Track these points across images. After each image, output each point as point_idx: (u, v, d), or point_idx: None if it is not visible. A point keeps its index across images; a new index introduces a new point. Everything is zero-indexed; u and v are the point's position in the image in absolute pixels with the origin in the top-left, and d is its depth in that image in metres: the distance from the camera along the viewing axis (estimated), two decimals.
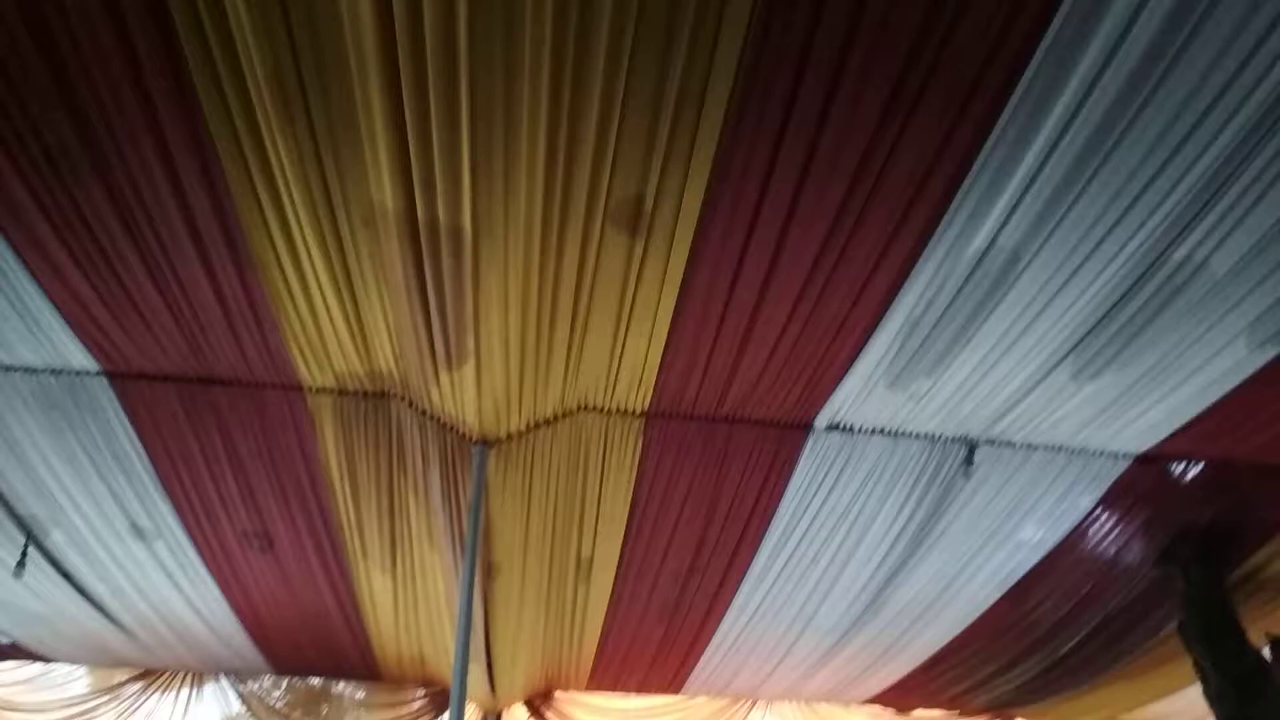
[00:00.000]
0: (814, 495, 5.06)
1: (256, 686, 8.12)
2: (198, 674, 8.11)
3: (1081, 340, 3.75)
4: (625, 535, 5.51)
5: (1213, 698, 5.05)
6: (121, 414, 4.54)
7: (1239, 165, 2.93)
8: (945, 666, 7.04)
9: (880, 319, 3.69)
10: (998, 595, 5.89)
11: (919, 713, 8.28)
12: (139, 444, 4.73)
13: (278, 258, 3.48)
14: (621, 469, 4.94)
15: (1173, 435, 4.43)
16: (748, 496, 5.14)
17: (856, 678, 7.58)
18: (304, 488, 5.14)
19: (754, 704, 8.36)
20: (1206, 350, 3.81)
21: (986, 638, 6.46)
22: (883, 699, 8.07)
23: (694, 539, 5.56)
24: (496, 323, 3.73)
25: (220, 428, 4.67)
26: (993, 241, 3.24)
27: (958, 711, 8.27)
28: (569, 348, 3.93)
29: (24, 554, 5.51)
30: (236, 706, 8.08)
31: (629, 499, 5.18)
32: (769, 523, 5.33)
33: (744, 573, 5.87)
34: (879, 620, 6.35)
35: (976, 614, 6.13)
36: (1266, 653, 4.98)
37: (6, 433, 4.72)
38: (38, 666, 7.97)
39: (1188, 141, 2.85)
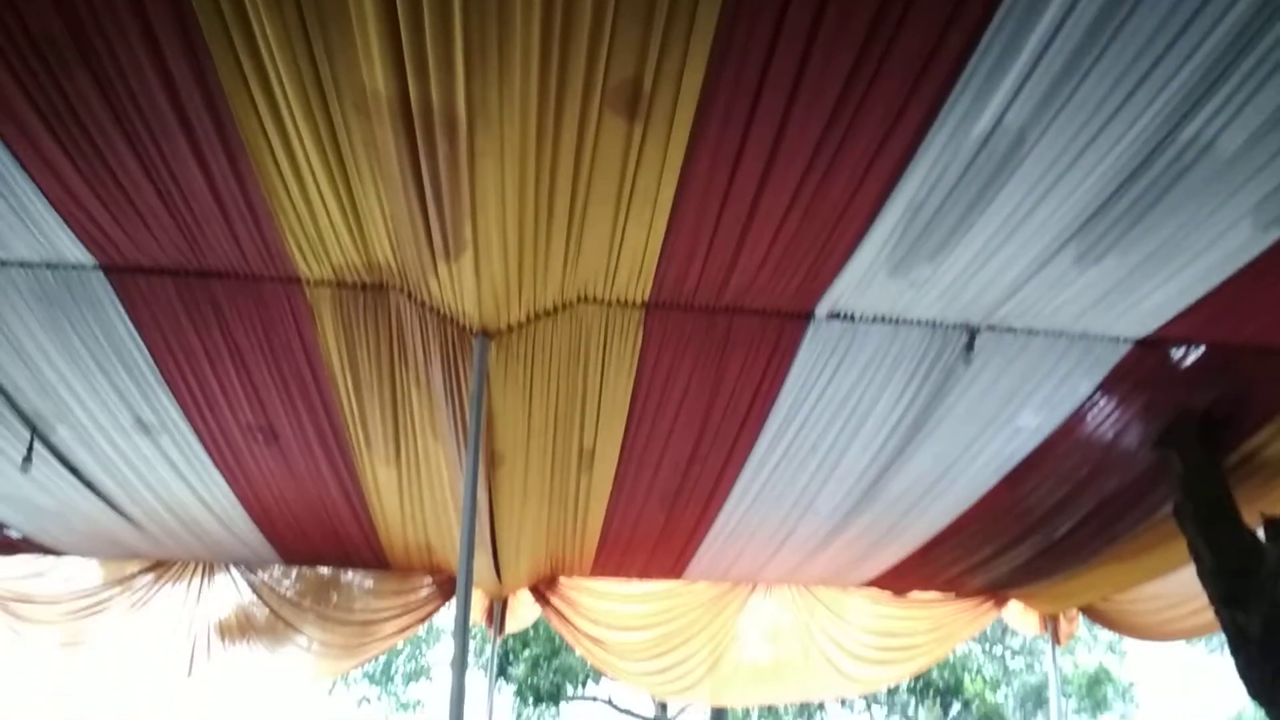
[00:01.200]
0: (814, 384, 5.08)
1: (267, 576, 8.30)
2: (208, 565, 8.29)
3: (1086, 223, 3.70)
4: (626, 426, 5.56)
5: (1206, 577, 5.15)
6: (120, 308, 4.53)
7: (1249, 41, 2.84)
8: (942, 550, 7.18)
9: (883, 205, 3.64)
10: (995, 480, 5.97)
11: (915, 594, 8.49)
12: (139, 338, 4.73)
13: (270, 146, 3.41)
14: (622, 360, 4.95)
15: (1175, 319, 4.41)
16: (748, 386, 5.16)
17: (854, 562, 7.73)
18: (306, 381, 5.16)
19: (753, 589, 8.56)
20: (1212, 232, 3.76)
21: (983, 522, 6.57)
22: (880, 582, 8.26)
23: (694, 429, 5.61)
24: (494, 212, 3.68)
25: (220, 321, 4.67)
26: (998, 122, 3.17)
27: (954, 593, 8.48)
28: (568, 237, 3.89)
29: (30, 449, 5.56)
30: (248, 596, 8.27)
31: (630, 390, 5.20)
32: (769, 411, 5.37)
33: (744, 461, 5.94)
34: (877, 506, 6.44)
35: (974, 499, 6.23)
36: (1261, 533, 5.06)
37: (6, 330, 4.72)
38: (49, 560, 8.13)
39: (1198, 16, 2.76)
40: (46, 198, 3.80)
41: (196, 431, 5.62)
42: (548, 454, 5.84)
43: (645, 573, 8.32)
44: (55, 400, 5.28)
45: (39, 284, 4.42)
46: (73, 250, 4.18)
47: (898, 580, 8.19)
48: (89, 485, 6.28)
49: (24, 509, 6.94)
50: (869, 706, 14.87)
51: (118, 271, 4.35)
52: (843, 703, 14.87)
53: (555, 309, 4.51)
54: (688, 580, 8.38)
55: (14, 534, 7.63)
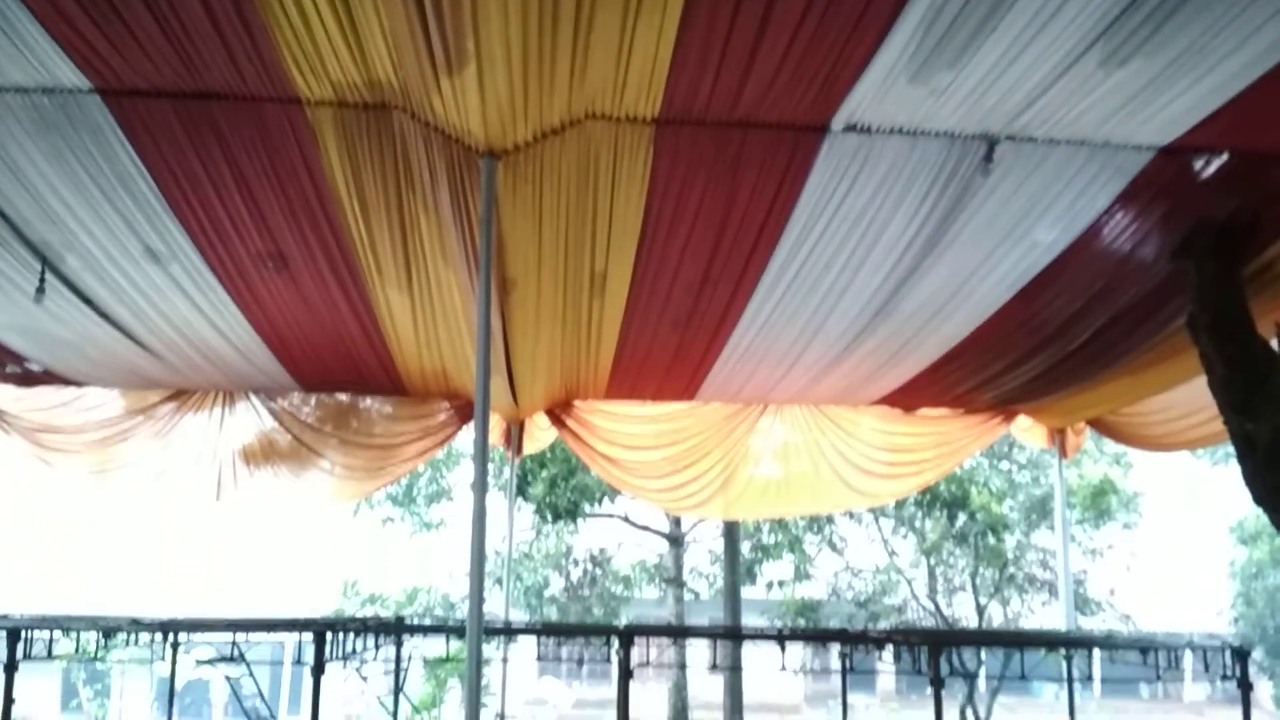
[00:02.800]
0: (829, 200, 4.99)
1: (287, 403, 8.44)
2: (229, 393, 8.42)
3: (1114, 22, 3.54)
4: (638, 248, 5.51)
5: (1217, 386, 5.18)
6: (119, 133, 4.43)
7: None
8: (953, 367, 7.23)
9: (903, 6, 3.49)
10: (1009, 295, 5.94)
11: (925, 411, 8.60)
12: (141, 165, 4.64)
13: None
14: (632, 180, 4.85)
15: (1199, 125, 4.28)
16: (761, 204, 5.07)
17: (865, 380, 7.81)
18: (313, 207, 5.09)
19: (764, 408, 8.69)
20: (1242, 31, 3.60)
21: (995, 337, 6.58)
22: (890, 400, 8.36)
23: (707, 249, 5.56)
24: (496, 22, 3.53)
25: (222, 146, 4.57)
26: None
27: (963, 409, 8.59)
28: (574, 47, 3.74)
29: (42, 280, 5.56)
30: (270, 422, 8.43)
31: (641, 211, 5.12)
32: (782, 230, 5.30)
33: (756, 281, 5.91)
34: (890, 324, 6.45)
35: (987, 314, 6.21)
36: (1274, 343, 5.06)
37: (8, 159, 4.64)
38: (72, 390, 8.27)
39: None
40: (38, 19, 3.67)
41: (207, 259, 5.59)
42: (559, 278, 5.82)
43: (658, 395, 8.44)
44: (63, 230, 5.24)
45: (36, 110, 4.31)
46: (68, 74, 4.06)
47: (907, 398, 8.29)
48: (103, 315, 6.31)
49: (42, 341, 7.01)
50: (876, 519, 15.31)
51: (115, 95, 4.23)
52: (850, 515, 15.30)
53: (563, 126, 4.39)
54: (700, 401, 8.51)
55: (34, 366, 7.74)
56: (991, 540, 13.94)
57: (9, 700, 5.94)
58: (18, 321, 6.58)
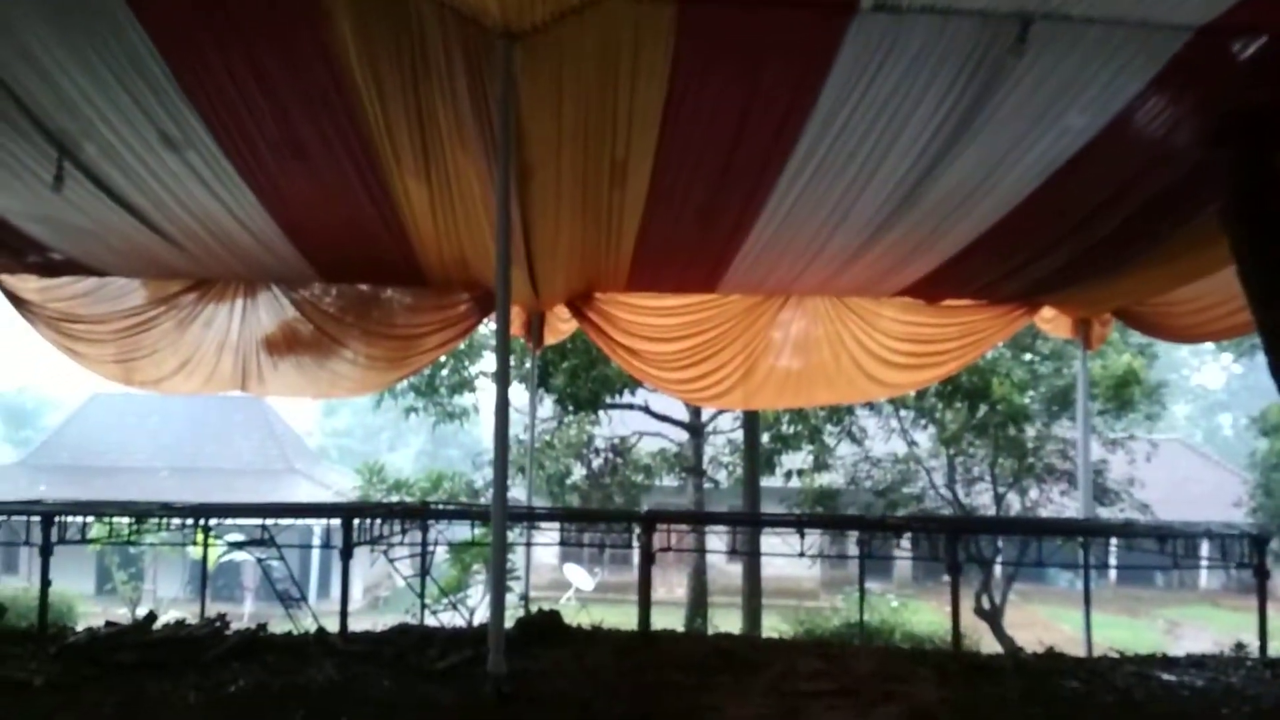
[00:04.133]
0: (855, 85, 4.86)
1: (308, 294, 8.46)
2: (250, 283, 8.45)
3: None
4: (660, 135, 5.40)
5: (1246, 276, 5.10)
6: (131, 17, 4.34)
7: None
8: (977, 257, 7.13)
9: None
10: (1038, 183, 5.81)
11: (948, 302, 8.54)
12: (155, 50, 4.56)
13: None
14: (654, 64, 4.73)
15: (1239, 4, 4.12)
16: (786, 90, 4.95)
17: (888, 272, 7.74)
18: (329, 93, 5.00)
19: (786, 301, 8.65)
20: None
21: (1023, 226, 6.46)
22: (913, 291, 8.29)
23: (730, 137, 5.45)
24: None
25: (234, 28, 4.47)
26: None
27: (986, 300, 8.52)
28: None
29: (59, 168, 5.53)
30: (291, 312, 8.47)
31: (663, 97, 5.01)
32: (807, 117, 5.18)
33: (779, 171, 5.81)
34: (915, 214, 6.34)
35: (1015, 202, 6.09)
36: None
37: (22, 46, 4.56)
38: (94, 280, 8.31)
39: None
40: None
41: (223, 147, 5.53)
42: (579, 165, 5.73)
43: (679, 287, 8.41)
44: (79, 117, 5.18)
45: None
46: None
47: (930, 289, 8.22)
48: (122, 203, 6.28)
49: (63, 230, 7.01)
50: (896, 410, 15.34)
51: None
52: (870, 406, 15.34)
53: (582, 5, 4.26)
54: (722, 293, 8.47)
55: (56, 256, 7.76)
56: (1011, 431, 13.96)
57: (46, 582, 6.13)
58: (38, 210, 6.57)
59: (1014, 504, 15.07)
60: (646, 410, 15.70)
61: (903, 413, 15.45)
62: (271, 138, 5.48)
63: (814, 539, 6.81)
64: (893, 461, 16.21)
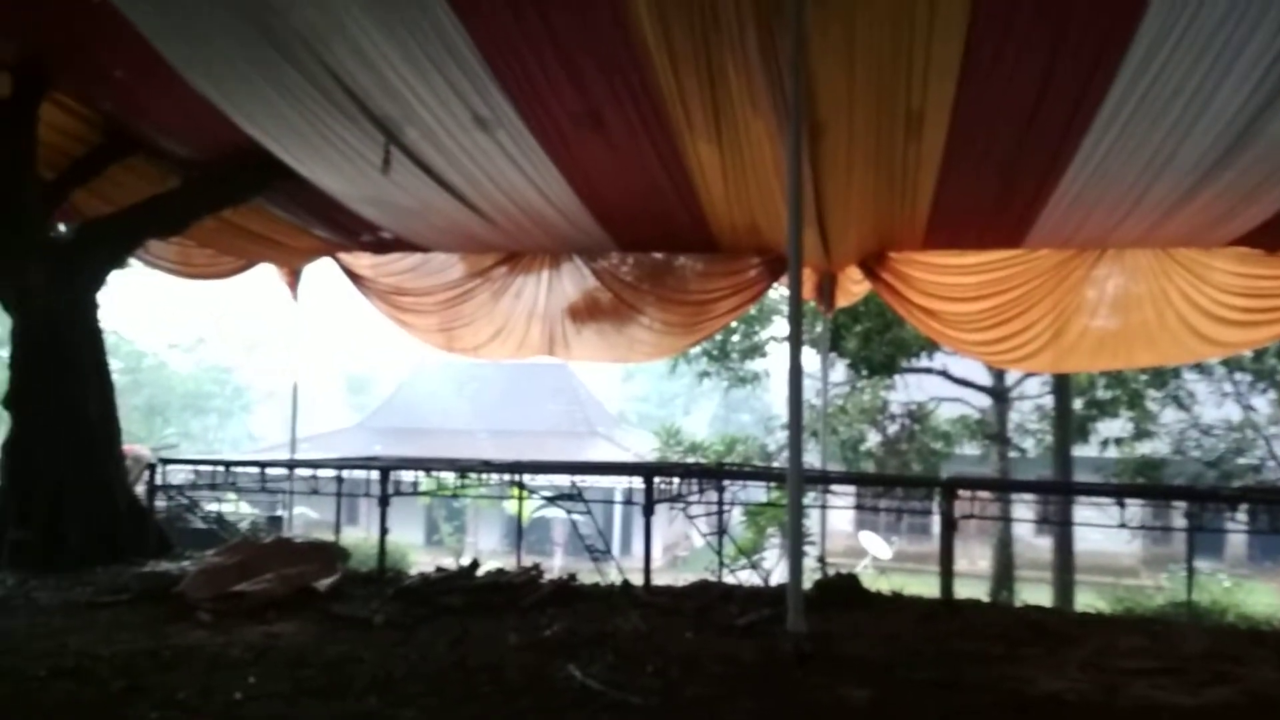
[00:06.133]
0: (1177, 18, 4.42)
1: (607, 263, 8.82)
2: (554, 255, 8.92)
3: None
4: (958, 83, 5.16)
5: None
6: (443, 4, 4.65)
7: None
8: None
9: None
10: None
11: None
12: (465, 33, 4.87)
13: None
14: (951, 11, 4.52)
15: None
16: (1098, 28, 4.59)
17: (1219, 219, 6.98)
18: (623, 63, 5.15)
19: (1101, 254, 8.02)
20: None
21: None
22: (1250, 240, 7.43)
23: (1035, 82, 5.13)
24: None
25: (537, 6, 4.70)
26: None
27: None
28: None
29: (387, 152, 6.04)
30: (591, 281, 8.86)
31: (961, 42, 4.77)
32: (1121, 57, 4.76)
33: (1092, 116, 5.39)
34: (1249, 154, 5.67)
35: None
36: None
37: (350, 39, 5.01)
38: (418, 256, 9.10)
39: None
40: None
41: (527, 123, 5.83)
42: (873, 119, 5.58)
43: (980, 243, 8.01)
44: (400, 103, 5.63)
45: None
46: None
47: (1269, 236, 7.34)
48: (441, 183, 6.79)
49: (390, 210, 7.68)
50: (1230, 372, 13.90)
51: None
52: (1199, 368, 13.99)
53: None
54: (1028, 249, 7.98)
55: (386, 234, 8.55)
56: None
57: (384, 530, 6.77)
58: (369, 193, 7.23)
59: None
60: (945, 374, 15.14)
61: (1238, 375, 13.98)
62: (571, 110, 5.72)
63: (1134, 511, 6.30)
64: (1226, 429, 14.72)
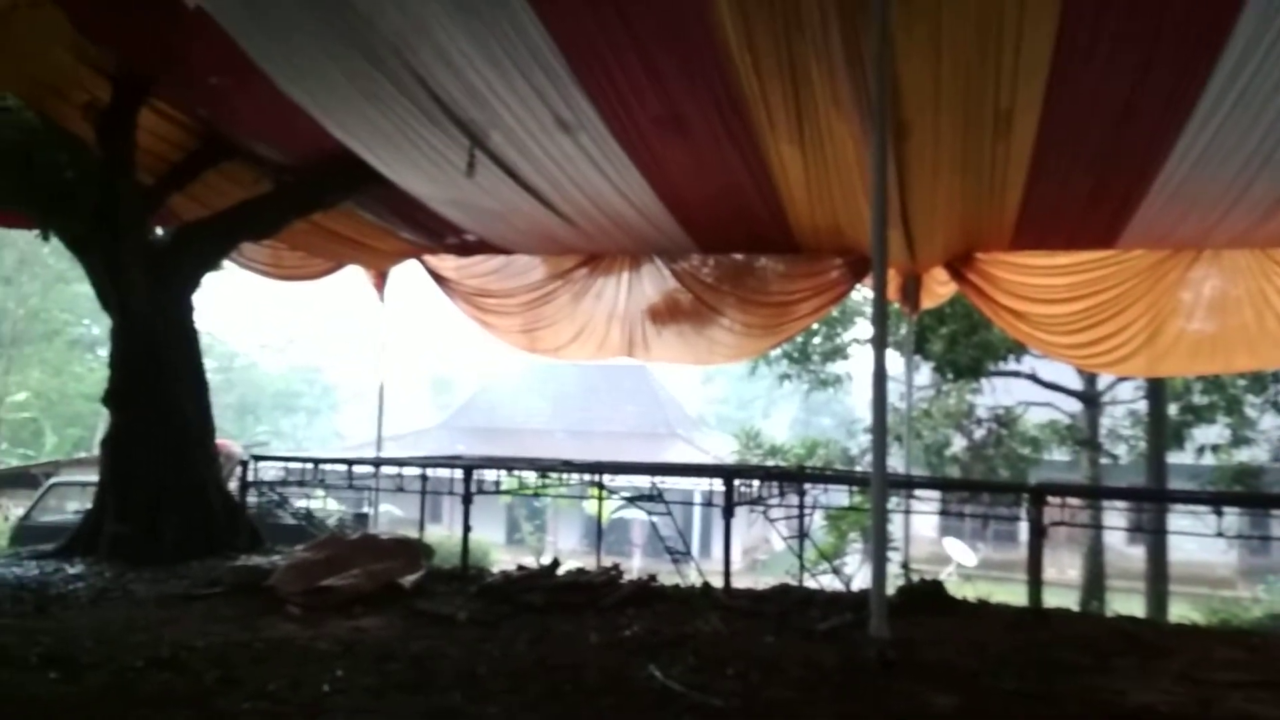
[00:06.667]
0: (1278, 9, 4.26)
1: (687, 265, 8.82)
2: (634, 256, 8.95)
3: None
4: (1049, 79, 5.04)
5: None
6: (529, 9, 4.69)
7: None
8: None
9: None
10: None
11: None
12: (548, 37, 4.90)
13: None
14: (1041, 5, 4.42)
15: None
16: (1197, 19, 4.44)
17: None
18: (705, 64, 5.15)
19: (1198, 254, 7.76)
20: None
21: None
22: None
23: (1129, 76, 4.99)
24: None
25: (619, 10, 4.72)
26: None
27: None
28: None
29: (471, 156, 6.11)
30: (672, 283, 8.87)
31: (1052, 36, 4.66)
32: (1222, 48, 4.60)
33: (1191, 110, 5.22)
34: None
35: None
36: None
37: (436, 44, 5.09)
38: (501, 258, 9.22)
39: None
40: None
41: (610, 126, 5.86)
42: (959, 118, 5.48)
43: (1071, 243, 7.81)
44: (485, 107, 5.70)
45: None
46: None
47: None
48: (524, 186, 6.85)
49: (474, 213, 7.79)
50: None
51: None
52: None
53: None
54: (1121, 249, 7.75)
55: (470, 237, 8.67)
56: None
57: (467, 528, 6.85)
58: (454, 196, 7.34)
59: None
60: (1034, 378, 14.82)
61: None
62: (653, 113, 5.73)
63: (1231, 520, 6.08)
64: None
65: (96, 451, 9.60)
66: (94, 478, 7.90)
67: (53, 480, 13.44)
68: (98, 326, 29.34)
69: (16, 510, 14.89)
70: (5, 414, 26.94)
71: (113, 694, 3.53)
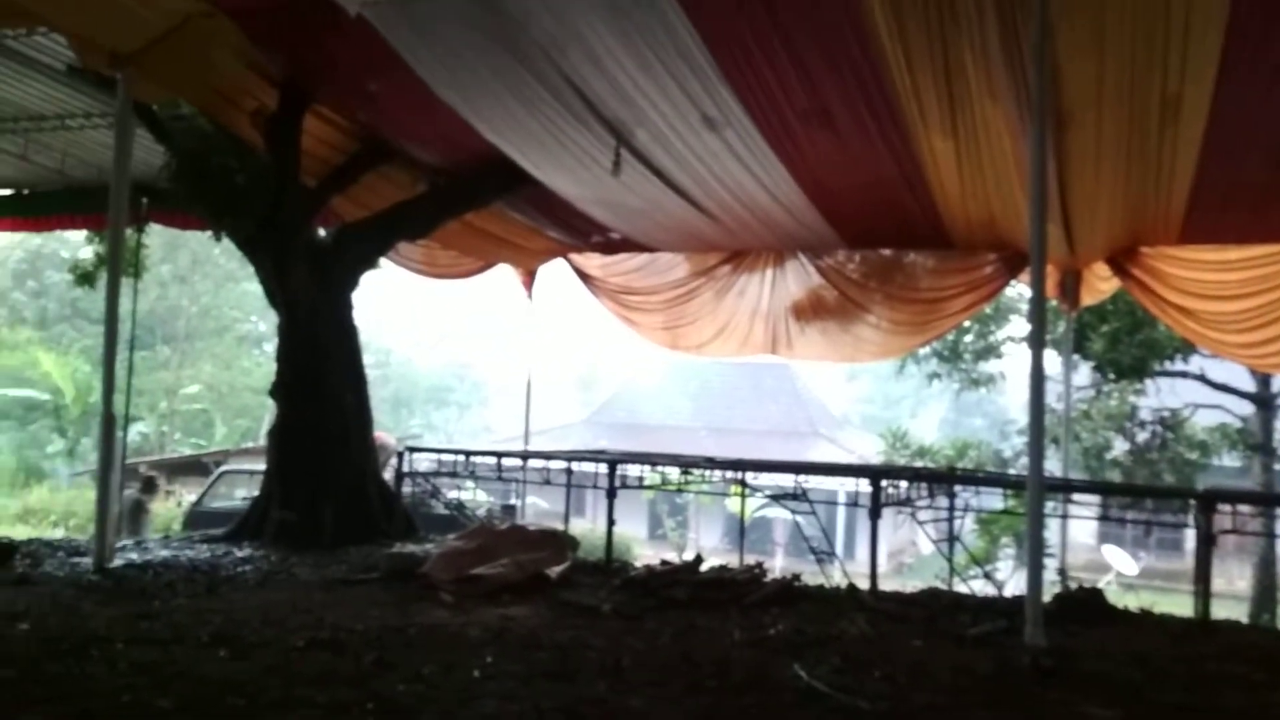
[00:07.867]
0: None
1: (833, 261, 8.72)
2: (778, 253, 8.89)
3: None
4: (1220, 64, 4.77)
5: None
6: (677, 8, 4.72)
7: None
8: None
9: None
10: None
11: None
12: (696, 35, 4.93)
13: None
14: None
15: None
16: None
17: None
18: (855, 58, 5.07)
19: None
20: None
21: None
22: None
23: None
24: None
25: (767, 7, 4.70)
26: None
27: None
28: None
29: (617, 155, 6.20)
30: (816, 280, 8.77)
31: (1223, 19, 4.42)
32: None
33: None
34: None
35: None
36: None
37: (586, 45, 5.17)
38: (645, 256, 9.32)
39: None
40: None
41: (756, 122, 5.84)
42: (1124, 107, 5.24)
43: (1244, 236, 7.37)
44: (631, 106, 5.76)
45: None
46: None
47: None
48: (669, 184, 6.90)
49: (619, 212, 7.88)
50: None
51: None
52: None
53: None
54: None
55: (615, 235, 8.78)
56: None
57: (611, 521, 6.94)
58: (600, 195, 7.44)
59: None
60: (1203, 379, 14.04)
61: None
62: (800, 108, 5.69)
63: None
64: None
65: (263, 442, 10.15)
66: (261, 466, 8.33)
67: (222, 468, 14.25)
68: (265, 323, 31.06)
69: (189, 496, 15.86)
70: (179, 405, 28.76)
71: (277, 672, 3.71)
